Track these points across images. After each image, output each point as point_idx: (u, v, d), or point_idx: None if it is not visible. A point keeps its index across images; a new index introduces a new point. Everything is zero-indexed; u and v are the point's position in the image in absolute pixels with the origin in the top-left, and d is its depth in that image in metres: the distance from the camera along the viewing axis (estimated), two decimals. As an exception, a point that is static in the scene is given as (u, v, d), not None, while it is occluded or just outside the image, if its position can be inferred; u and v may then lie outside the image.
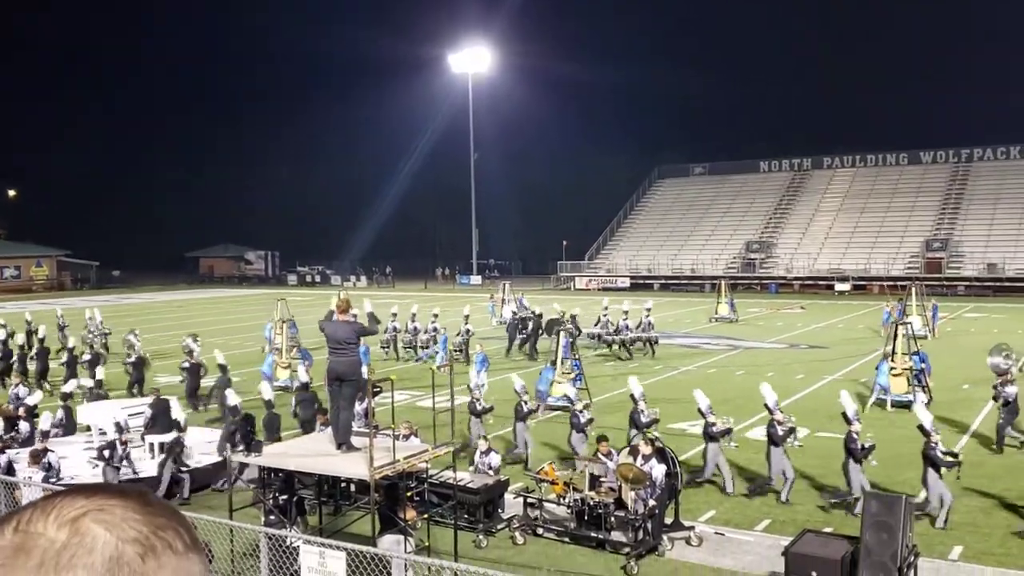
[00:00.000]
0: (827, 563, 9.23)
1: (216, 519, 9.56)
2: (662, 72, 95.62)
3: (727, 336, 33.22)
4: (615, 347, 28.11)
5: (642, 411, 14.68)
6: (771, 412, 13.65)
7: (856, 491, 12.17)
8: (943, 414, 17.95)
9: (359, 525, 11.64)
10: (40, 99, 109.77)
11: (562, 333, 21.57)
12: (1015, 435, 16.01)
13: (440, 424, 10.89)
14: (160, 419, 15.32)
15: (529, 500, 12.10)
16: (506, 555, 11.23)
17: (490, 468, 13.05)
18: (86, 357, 23.08)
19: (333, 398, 10.52)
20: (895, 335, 20.54)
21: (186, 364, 21.00)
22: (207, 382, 20.85)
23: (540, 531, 11.80)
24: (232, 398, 15.10)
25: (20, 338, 26.29)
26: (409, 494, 10.47)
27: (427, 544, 10.57)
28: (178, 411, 14.48)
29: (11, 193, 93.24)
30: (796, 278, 57.88)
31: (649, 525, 11.10)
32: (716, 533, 11.88)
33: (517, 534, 11.69)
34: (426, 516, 10.94)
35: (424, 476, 11.21)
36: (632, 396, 15.08)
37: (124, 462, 13.70)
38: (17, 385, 18.79)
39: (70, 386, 18.25)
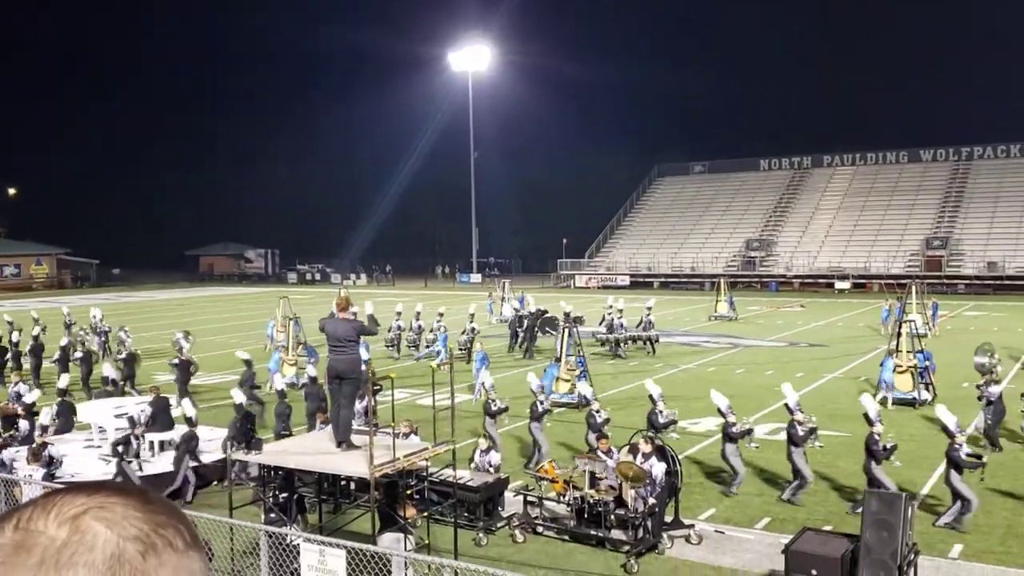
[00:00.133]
0: (827, 561, 9.23)
1: (216, 517, 9.56)
2: (662, 71, 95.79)
3: (727, 334, 33.23)
4: (606, 346, 28.10)
5: (660, 412, 14.44)
6: (791, 412, 13.42)
7: (891, 487, 12.01)
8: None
9: (359, 523, 11.64)
10: (40, 99, 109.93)
11: (565, 331, 21.60)
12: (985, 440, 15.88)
13: (440, 419, 10.89)
14: (160, 417, 15.32)
15: (529, 498, 12.10)
16: (506, 553, 11.23)
17: (490, 466, 13.05)
18: (78, 354, 23.11)
19: (333, 396, 10.52)
20: (899, 333, 20.55)
21: (176, 361, 21.09)
22: (205, 381, 20.85)
23: (540, 529, 11.80)
24: (238, 396, 15.19)
25: (15, 335, 26.29)
26: (409, 492, 10.47)
27: (427, 542, 10.57)
28: (189, 407, 14.52)
29: (11, 191, 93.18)
30: (796, 276, 57.89)
31: (649, 523, 11.10)
32: (716, 531, 11.88)
33: (517, 532, 11.69)
34: (426, 514, 10.94)
35: (424, 474, 11.22)
36: (651, 397, 14.82)
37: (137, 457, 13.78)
38: (17, 383, 18.80)
39: (63, 381, 18.25)
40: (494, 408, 15.30)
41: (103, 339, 28.88)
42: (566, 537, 11.58)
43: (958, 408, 19.01)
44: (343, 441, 10.25)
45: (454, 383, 10.86)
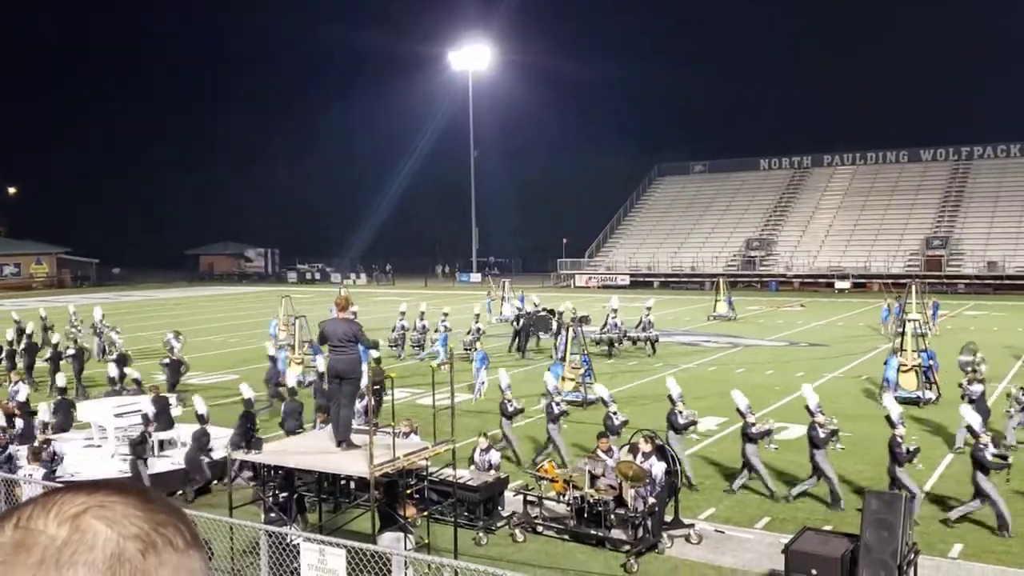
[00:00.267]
0: (827, 561, 9.22)
1: (216, 516, 9.56)
2: (662, 70, 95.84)
3: (727, 334, 33.23)
4: (600, 345, 28.11)
5: (680, 412, 14.15)
6: (812, 414, 13.24)
7: (915, 490, 11.99)
8: (943, 412, 17.97)
9: (359, 523, 11.65)
10: (40, 99, 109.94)
11: (569, 330, 21.64)
12: (966, 440, 15.82)
13: (440, 419, 10.89)
14: (160, 416, 15.31)
15: (529, 498, 12.10)
16: (506, 552, 11.23)
17: (490, 466, 13.04)
18: (70, 352, 23.15)
19: (333, 396, 10.52)
20: (902, 332, 20.56)
21: (167, 361, 21.16)
22: (204, 381, 20.85)
23: (540, 529, 11.80)
24: (247, 392, 15.28)
25: (10, 334, 26.32)
26: (409, 492, 10.47)
27: (427, 541, 10.57)
28: (201, 404, 14.58)
29: (11, 191, 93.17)
30: (796, 276, 57.89)
31: (649, 523, 11.10)
32: (716, 531, 11.88)
33: (517, 531, 11.69)
34: (426, 513, 10.94)
35: (424, 473, 11.22)
36: (670, 397, 14.50)
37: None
38: (16, 383, 18.80)
39: (62, 379, 18.28)
40: (510, 409, 15.11)
41: (102, 339, 28.89)
42: (566, 537, 11.58)
43: (957, 407, 19.08)
44: (343, 440, 10.24)
45: (454, 383, 10.86)
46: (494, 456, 13.23)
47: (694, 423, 14.57)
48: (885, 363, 20.49)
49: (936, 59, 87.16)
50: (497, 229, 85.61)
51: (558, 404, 15.19)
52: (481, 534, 11.67)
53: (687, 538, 11.46)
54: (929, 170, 65.54)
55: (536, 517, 11.91)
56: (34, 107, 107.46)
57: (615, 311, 28.66)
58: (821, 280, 56.61)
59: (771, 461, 14.72)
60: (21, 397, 16.77)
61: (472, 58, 71.28)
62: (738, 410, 13.95)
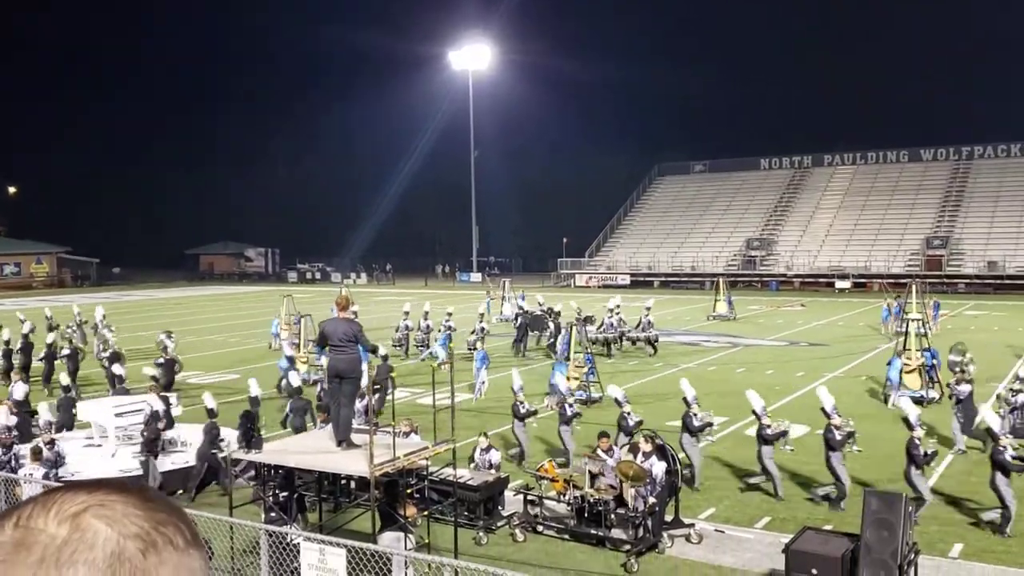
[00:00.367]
0: (827, 560, 9.22)
1: (216, 516, 9.56)
2: (662, 70, 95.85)
3: (727, 334, 33.23)
4: (597, 344, 28.13)
5: (695, 414, 13.99)
6: (828, 416, 13.09)
7: (928, 497, 11.92)
8: (943, 411, 17.95)
9: (359, 522, 11.64)
10: (40, 99, 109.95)
11: (573, 328, 21.66)
12: (963, 439, 15.75)
13: (440, 418, 10.88)
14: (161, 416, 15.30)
15: (529, 497, 12.10)
16: (506, 552, 11.23)
17: (490, 465, 13.04)
18: (65, 352, 23.19)
19: (333, 395, 10.52)
20: (905, 332, 20.58)
21: (161, 360, 21.23)
22: (203, 380, 20.84)
23: (540, 528, 11.80)
24: (254, 388, 15.30)
25: (7, 333, 26.34)
26: (409, 491, 10.47)
27: (427, 541, 10.57)
28: (210, 399, 14.63)
29: (11, 190, 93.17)
30: (796, 275, 57.89)
31: (649, 522, 11.10)
32: (716, 530, 11.88)
33: (517, 531, 11.69)
34: (426, 513, 10.94)
35: (424, 473, 11.21)
36: (685, 399, 14.32)
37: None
38: (16, 382, 18.81)
39: (66, 378, 18.33)
40: (523, 411, 14.99)
41: (98, 338, 28.90)
42: (566, 536, 11.58)
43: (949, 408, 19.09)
44: (343, 440, 10.24)
45: (454, 382, 10.86)
46: (494, 456, 13.23)
47: (709, 424, 14.43)
48: (888, 364, 20.47)
49: (936, 59, 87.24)
50: (497, 229, 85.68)
51: (571, 406, 15.04)
52: (481, 534, 11.67)
53: (687, 538, 11.45)
54: (929, 170, 65.53)
55: (536, 517, 11.91)
56: (34, 107, 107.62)
57: (610, 311, 28.67)
58: (821, 280, 56.61)
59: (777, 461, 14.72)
60: (18, 395, 16.77)
61: (472, 58, 71.27)
62: (753, 411, 13.76)
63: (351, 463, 9.92)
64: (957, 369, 17.76)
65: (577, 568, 10.73)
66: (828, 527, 11.23)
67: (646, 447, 11.85)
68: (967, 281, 52.42)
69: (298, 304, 31.32)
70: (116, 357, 22.72)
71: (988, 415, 13.01)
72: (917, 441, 12.08)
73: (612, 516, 11.34)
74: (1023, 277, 51.41)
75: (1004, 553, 10.99)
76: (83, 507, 0.93)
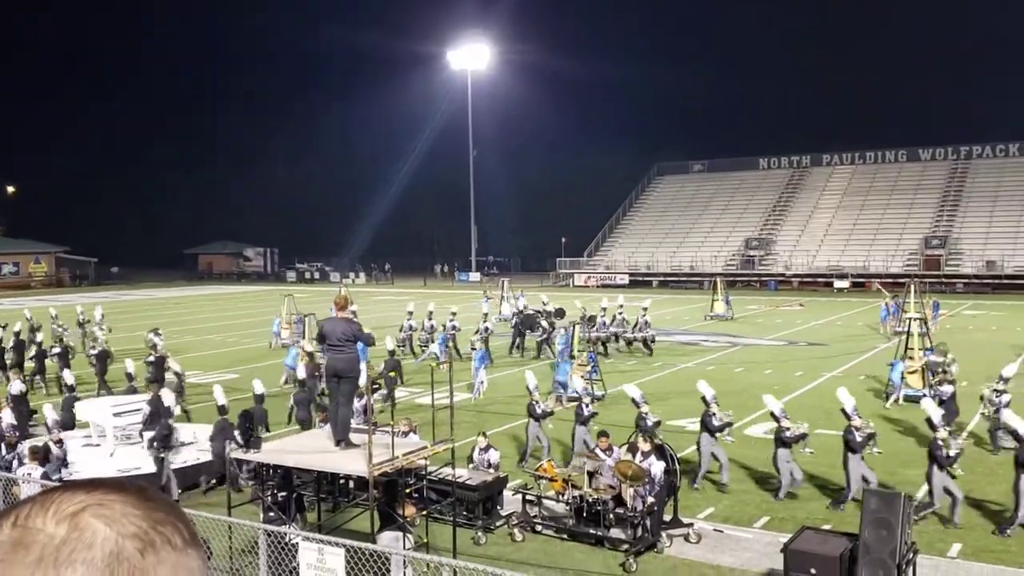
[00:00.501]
0: (826, 560, 9.22)
1: (214, 516, 9.55)
2: (661, 70, 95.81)
3: (726, 333, 33.24)
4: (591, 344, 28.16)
5: (714, 414, 13.86)
6: (848, 418, 12.96)
7: (938, 500, 11.80)
8: (979, 410, 17.92)
9: (358, 522, 11.64)
10: (40, 99, 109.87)
11: (576, 327, 21.71)
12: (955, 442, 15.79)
13: (439, 418, 10.89)
14: (157, 417, 15.29)
15: (528, 497, 12.10)
16: (505, 552, 11.23)
17: (489, 465, 13.04)
18: (56, 350, 23.20)
19: (332, 395, 10.52)
20: (908, 332, 20.60)
21: (151, 358, 21.31)
22: (202, 380, 20.82)
23: (539, 528, 11.80)
24: (258, 387, 15.32)
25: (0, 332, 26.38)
26: (408, 491, 10.47)
27: (426, 541, 10.56)
28: (220, 395, 14.64)
29: (10, 190, 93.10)
30: (795, 275, 57.92)
31: (648, 522, 11.10)
32: (715, 530, 11.88)
33: (516, 531, 11.69)
34: (425, 513, 10.94)
35: (423, 473, 11.21)
36: (704, 399, 14.18)
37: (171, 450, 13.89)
38: (13, 380, 18.81)
39: (70, 377, 18.33)
40: (538, 411, 14.88)
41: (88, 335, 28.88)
42: (565, 536, 11.58)
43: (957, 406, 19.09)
44: (342, 440, 10.24)
45: (453, 382, 10.86)
46: (493, 455, 13.22)
47: (729, 424, 14.33)
48: (890, 365, 20.45)
49: (935, 59, 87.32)
50: (496, 228, 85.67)
51: (587, 406, 14.93)
52: (480, 533, 11.67)
53: (686, 537, 11.46)
54: (928, 169, 65.58)
55: (535, 516, 11.91)
56: (34, 107, 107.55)
57: (604, 310, 28.66)
58: (820, 279, 56.64)
59: (769, 461, 14.73)
60: (14, 390, 16.78)
61: (471, 57, 71.26)
62: (772, 414, 13.58)
63: (350, 463, 9.91)
64: (939, 370, 17.80)
65: (576, 568, 10.73)
66: (827, 527, 11.23)
67: (644, 447, 11.85)
68: (965, 281, 52.46)
69: (297, 304, 31.32)
70: (105, 355, 22.80)
71: (1012, 419, 12.83)
72: (940, 442, 11.93)
73: (611, 516, 11.34)
74: (1021, 277, 51.45)
75: (1003, 553, 11.00)
76: (81, 506, 0.93)
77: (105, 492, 0.95)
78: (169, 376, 19.58)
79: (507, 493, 12.79)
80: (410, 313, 28.58)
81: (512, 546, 11.45)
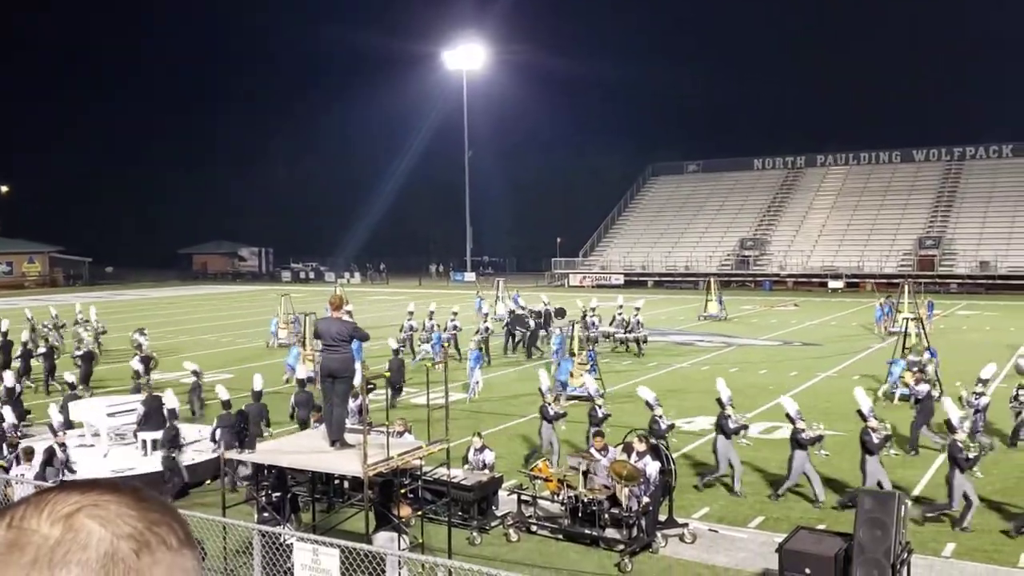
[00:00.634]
0: (821, 560, 9.24)
1: (209, 516, 9.53)
2: (657, 70, 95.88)
3: (721, 333, 33.28)
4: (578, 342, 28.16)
5: (729, 416, 13.71)
6: (865, 419, 12.87)
7: (956, 503, 11.73)
8: (939, 410, 18.01)
9: (353, 522, 11.62)
10: (40, 99, 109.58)
11: (575, 326, 21.75)
12: (935, 439, 15.73)
13: (434, 418, 10.88)
14: (153, 416, 15.26)
15: (523, 497, 12.10)
16: (500, 552, 11.23)
17: (484, 465, 13.03)
18: (41, 350, 23.15)
19: (326, 395, 10.50)
20: (905, 332, 20.67)
21: (136, 358, 21.31)
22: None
23: (534, 528, 11.80)
24: (258, 383, 15.38)
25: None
26: (403, 491, 10.46)
27: (421, 541, 10.56)
28: (224, 392, 14.64)
29: (3, 189, 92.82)
30: (790, 275, 58.03)
31: (643, 522, 11.11)
32: (710, 530, 11.90)
33: (511, 531, 11.69)
34: (420, 513, 10.93)
35: (418, 473, 11.20)
36: (719, 400, 14.06)
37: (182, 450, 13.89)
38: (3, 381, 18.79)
39: (71, 376, 18.34)
40: (551, 412, 14.79)
41: (97, 339, 28.79)
42: (560, 536, 11.58)
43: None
44: (336, 440, 10.22)
45: (448, 382, 10.86)
46: (488, 456, 13.22)
47: (745, 427, 14.16)
48: (891, 363, 20.49)
49: (929, 59, 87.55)
50: (491, 228, 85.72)
51: (600, 407, 14.89)
52: (475, 534, 11.66)
53: (681, 537, 11.47)
54: (922, 170, 65.76)
55: (530, 516, 11.90)
56: (34, 107, 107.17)
57: (594, 310, 28.67)
58: (814, 280, 56.76)
59: (767, 461, 14.77)
60: (8, 383, 16.77)
61: (466, 57, 71.24)
62: (787, 415, 13.47)
63: (344, 463, 9.90)
64: (915, 369, 17.85)
65: (571, 568, 10.73)
66: (821, 526, 11.26)
67: (640, 447, 11.85)
68: (959, 281, 52.61)
69: (293, 304, 31.28)
70: (90, 356, 22.76)
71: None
72: (960, 445, 11.87)
73: (606, 516, 11.34)
74: (1015, 277, 51.62)
75: (995, 552, 11.04)
76: (76, 507, 0.92)
77: (100, 493, 0.95)
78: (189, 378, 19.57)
79: (502, 493, 12.79)
80: (411, 313, 28.54)
81: (507, 546, 11.45)
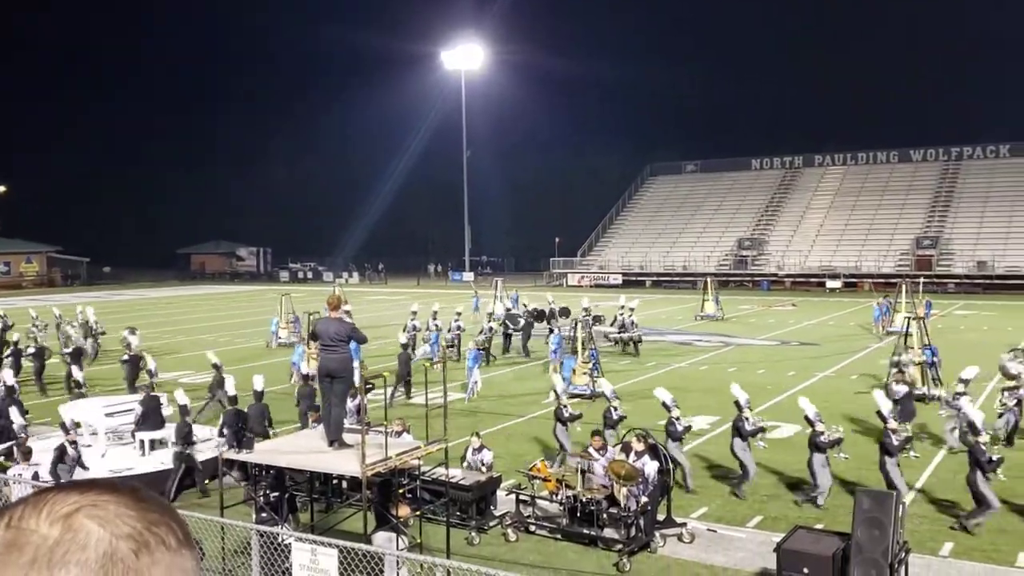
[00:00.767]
0: (819, 559, 9.25)
1: (207, 516, 9.53)
2: (655, 70, 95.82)
3: (719, 333, 33.30)
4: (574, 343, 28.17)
5: (746, 419, 13.57)
6: (884, 421, 12.80)
7: (995, 504, 11.62)
8: (937, 410, 18.03)
9: (351, 522, 11.61)
10: (40, 99, 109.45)
11: (579, 325, 21.75)
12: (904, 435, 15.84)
13: (433, 418, 10.88)
14: (151, 416, 15.26)
15: (521, 497, 12.10)
16: (498, 552, 11.23)
17: (482, 465, 13.03)
18: (31, 350, 23.15)
19: (324, 395, 10.50)
20: (906, 330, 20.70)
21: (126, 357, 21.36)
22: (197, 380, 20.77)
23: (532, 528, 11.80)
24: (258, 383, 15.35)
25: None
26: (401, 491, 10.45)
27: (419, 541, 10.56)
28: (231, 388, 14.67)
29: (2, 189, 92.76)
30: (787, 275, 58.06)
31: (641, 522, 11.12)
32: (708, 530, 11.90)
33: (509, 531, 11.69)
34: (418, 513, 10.93)
35: (416, 473, 11.20)
36: (736, 403, 13.93)
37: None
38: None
39: (78, 374, 18.34)
40: (566, 414, 14.71)
41: (96, 340, 28.76)
42: (558, 536, 11.58)
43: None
44: (335, 440, 10.22)
45: (447, 382, 10.86)
46: (487, 456, 13.22)
47: (762, 430, 14.03)
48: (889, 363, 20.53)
49: (927, 59, 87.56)
50: (490, 228, 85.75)
51: (615, 409, 14.83)
52: (473, 533, 11.66)
53: (679, 537, 11.47)
54: (919, 170, 65.82)
55: (529, 516, 11.91)
56: (34, 107, 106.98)
57: (586, 309, 28.67)
58: (812, 279, 56.80)
59: (765, 460, 14.76)
60: (9, 380, 16.77)
61: (465, 57, 71.24)
62: (806, 418, 13.35)
63: (343, 463, 9.90)
64: (895, 370, 17.90)
65: (569, 568, 10.74)
66: (819, 526, 11.27)
67: (638, 446, 11.85)
68: (956, 281, 52.65)
69: (292, 303, 31.25)
70: (79, 353, 22.74)
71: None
72: (983, 447, 11.77)
73: (604, 516, 11.35)
74: (1012, 277, 51.68)
75: (993, 551, 11.06)
76: (75, 507, 0.92)
77: (99, 493, 0.95)
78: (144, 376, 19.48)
79: (500, 493, 12.79)
80: (414, 313, 28.52)
81: (506, 546, 11.46)
